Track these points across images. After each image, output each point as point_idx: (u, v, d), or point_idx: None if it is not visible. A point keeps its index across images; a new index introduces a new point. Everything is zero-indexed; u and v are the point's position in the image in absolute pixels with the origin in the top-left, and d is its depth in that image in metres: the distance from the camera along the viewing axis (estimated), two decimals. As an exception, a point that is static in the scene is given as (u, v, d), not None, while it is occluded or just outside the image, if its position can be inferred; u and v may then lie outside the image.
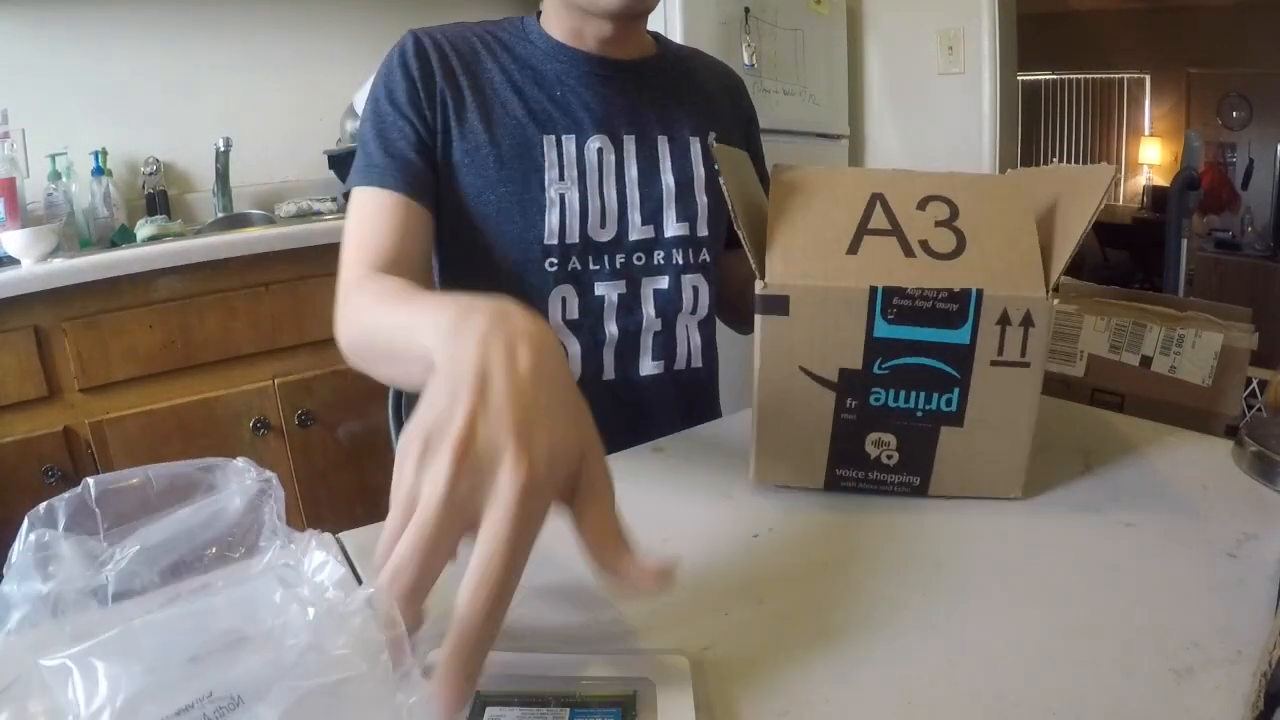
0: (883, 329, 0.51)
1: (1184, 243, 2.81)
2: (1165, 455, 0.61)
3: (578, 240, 0.77)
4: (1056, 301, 0.49)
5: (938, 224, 0.53)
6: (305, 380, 1.65)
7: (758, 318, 0.52)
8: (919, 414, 0.52)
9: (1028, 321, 0.50)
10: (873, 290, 0.50)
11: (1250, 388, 0.86)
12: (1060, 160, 5.50)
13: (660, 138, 0.81)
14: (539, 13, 0.83)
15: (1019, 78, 2.33)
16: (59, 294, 1.40)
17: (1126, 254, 4.87)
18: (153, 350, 1.50)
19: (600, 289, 0.78)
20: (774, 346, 0.53)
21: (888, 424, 0.53)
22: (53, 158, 1.77)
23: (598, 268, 0.77)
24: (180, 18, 1.98)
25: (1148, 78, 5.05)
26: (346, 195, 0.76)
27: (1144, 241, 4.47)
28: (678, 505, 0.55)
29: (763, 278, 0.52)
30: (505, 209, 0.75)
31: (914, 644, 0.39)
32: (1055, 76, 5.36)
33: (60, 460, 1.43)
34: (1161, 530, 0.49)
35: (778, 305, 0.52)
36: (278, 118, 2.11)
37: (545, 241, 0.76)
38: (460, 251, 0.78)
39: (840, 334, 0.51)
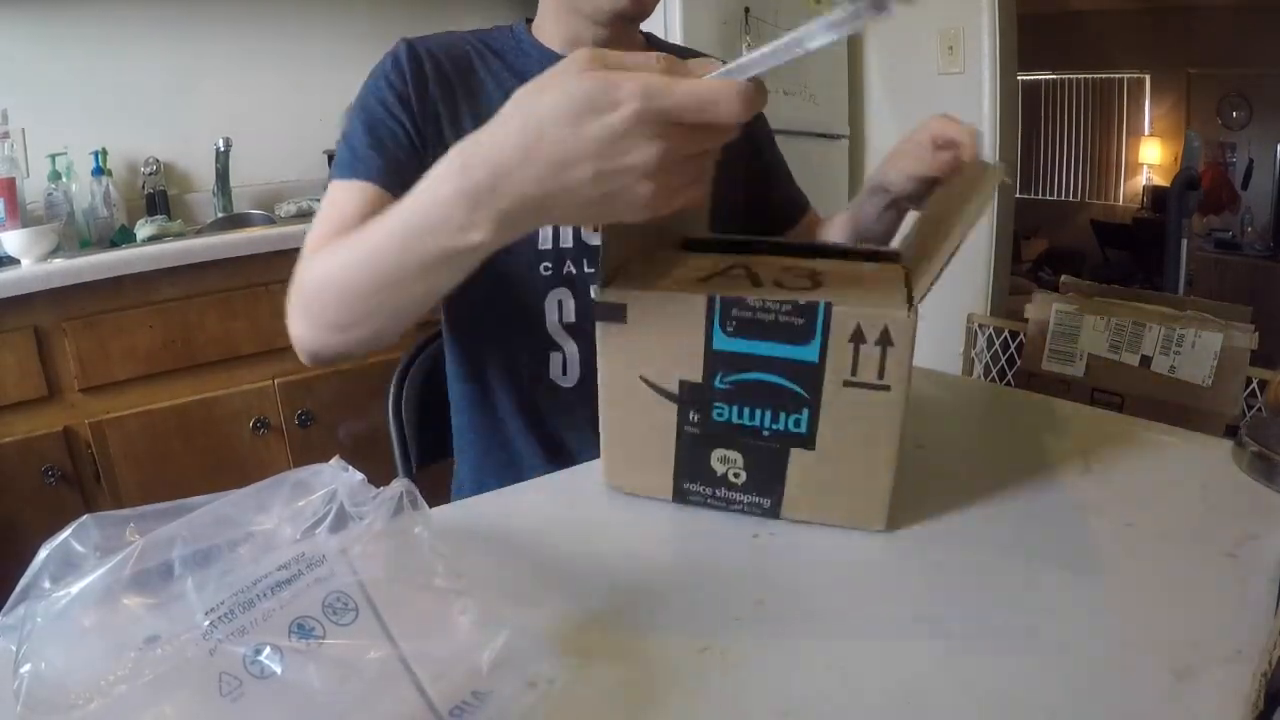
0: (722, 341, 0.48)
1: (1184, 243, 2.81)
2: (1165, 455, 0.61)
3: (571, 244, 0.77)
4: (918, 316, 0.45)
5: (796, 274, 0.52)
6: (305, 380, 1.65)
7: (597, 325, 0.51)
8: (765, 433, 0.49)
9: (885, 340, 0.45)
10: (710, 299, 0.48)
11: (1250, 388, 0.86)
12: (1061, 160, 5.50)
13: None
14: (528, 20, 0.83)
15: (1019, 78, 2.33)
16: (59, 294, 1.40)
17: (1126, 254, 4.87)
18: (153, 350, 1.50)
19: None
20: (613, 354, 0.51)
21: (733, 441, 0.50)
22: (53, 158, 1.77)
23: (592, 270, 0.78)
24: (180, 18, 1.98)
25: (1148, 78, 5.05)
26: None
27: (1144, 241, 4.47)
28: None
29: (603, 286, 0.50)
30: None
31: (914, 644, 0.39)
32: (1055, 76, 5.36)
33: (60, 460, 1.43)
34: (1161, 530, 0.49)
35: (615, 313, 0.50)
36: (278, 118, 2.11)
37: (540, 247, 0.76)
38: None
39: (679, 345, 0.49)
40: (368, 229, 0.51)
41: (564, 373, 0.79)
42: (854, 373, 0.46)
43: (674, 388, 0.51)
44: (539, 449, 0.81)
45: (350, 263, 0.53)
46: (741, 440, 0.50)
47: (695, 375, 0.50)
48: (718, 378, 0.49)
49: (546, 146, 0.38)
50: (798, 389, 0.48)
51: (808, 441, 0.49)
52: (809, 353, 0.47)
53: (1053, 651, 0.38)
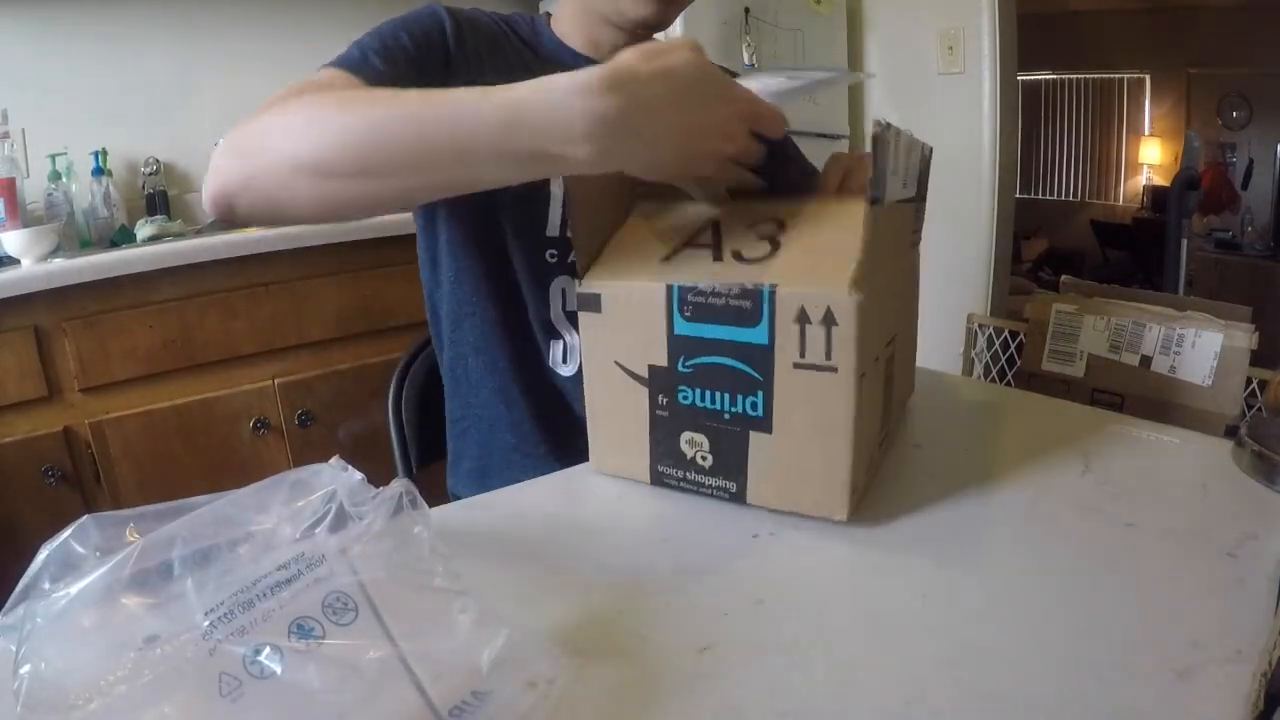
0: (682, 326, 0.51)
1: (1184, 243, 2.81)
2: (1165, 455, 0.61)
3: None
4: (860, 299, 0.45)
5: (759, 237, 0.53)
6: (305, 380, 1.65)
7: (579, 314, 0.55)
8: (726, 416, 0.51)
9: (829, 320, 0.46)
10: (669, 287, 0.51)
11: (1250, 388, 0.85)
12: (1061, 160, 5.50)
13: None
14: (548, 15, 0.83)
15: (1019, 78, 2.33)
16: (59, 294, 1.40)
17: (1126, 254, 4.87)
18: (153, 350, 1.50)
19: None
20: (593, 342, 0.55)
21: (698, 424, 0.52)
22: (53, 158, 1.77)
23: None
24: (180, 18, 1.98)
25: (1148, 78, 5.05)
26: None
27: (1144, 241, 4.47)
28: (678, 505, 0.55)
29: (580, 277, 0.55)
30: (508, 198, 0.75)
31: (914, 644, 0.39)
32: (1055, 76, 5.36)
33: (60, 460, 1.43)
34: (1161, 530, 0.49)
35: (591, 303, 0.54)
36: (278, 118, 2.10)
37: (548, 233, 0.77)
38: (465, 231, 0.78)
39: (646, 331, 0.52)
40: (433, 96, 0.50)
41: (564, 361, 0.80)
42: (802, 354, 0.47)
43: (644, 372, 0.53)
44: (540, 436, 0.80)
45: (395, 115, 0.51)
46: (706, 423, 0.52)
47: (661, 360, 0.52)
48: (680, 361, 0.51)
49: (689, 109, 0.47)
50: (751, 371, 0.49)
51: (765, 424, 0.50)
52: (759, 335, 0.48)
53: (1053, 651, 0.38)
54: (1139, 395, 0.89)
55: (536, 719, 0.34)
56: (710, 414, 0.51)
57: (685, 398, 0.52)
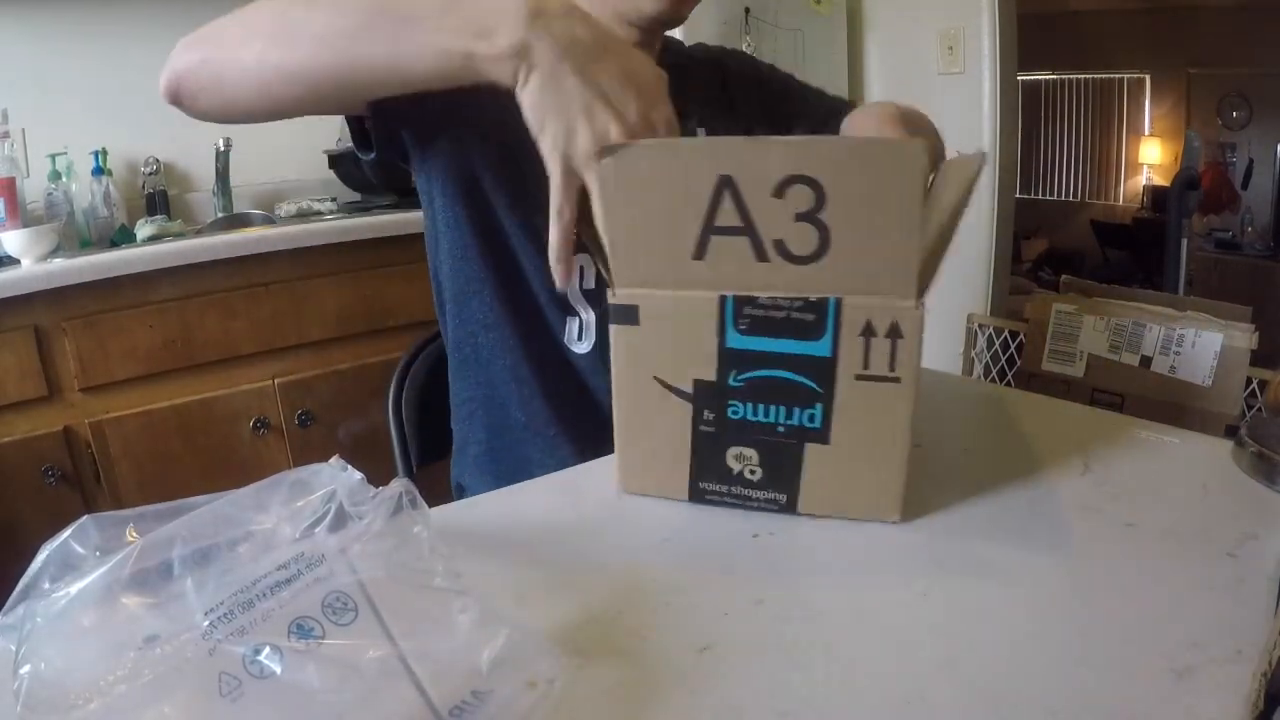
0: (735, 340, 0.48)
1: (1184, 243, 2.82)
2: (1165, 455, 0.61)
3: None
4: (924, 310, 0.45)
5: (798, 217, 0.44)
6: (305, 380, 1.65)
7: (610, 326, 0.51)
8: (780, 429, 0.49)
9: (895, 333, 0.45)
10: (722, 299, 0.47)
11: (1250, 388, 0.86)
12: (1061, 160, 5.50)
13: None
14: None
15: (1019, 78, 2.33)
16: (59, 294, 1.40)
17: (1126, 254, 4.87)
18: (153, 350, 1.50)
19: None
20: (627, 356, 0.51)
21: (748, 438, 0.50)
22: (53, 158, 1.77)
23: None
24: (180, 18, 1.97)
25: (1148, 78, 5.05)
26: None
27: (1144, 241, 4.47)
28: (678, 505, 0.55)
29: (612, 286, 0.50)
30: (524, 178, 0.75)
31: (914, 643, 0.39)
32: (1055, 76, 5.36)
33: (60, 460, 1.43)
34: (1161, 530, 0.49)
35: (628, 315, 0.50)
36: (277, 117, 2.10)
37: None
38: (479, 207, 0.77)
39: (692, 345, 0.49)
40: None
41: (579, 338, 0.79)
42: (865, 366, 0.47)
43: (688, 387, 0.50)
44: (551, 415, 0.80)
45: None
46: (757, 437, 0.50)
47: (709, 374, 0.50)
48: (731, 375, 0.49)
49: (612, 57, 0.51)
50: (811, 384, 0.48)
51: (822, 436, 0.49)
52: (821, 348, 0.47)
53: (1053, 651, 0.38)
54: (1139, 395, 0.90)
55: (536, 719, 0.34)
56: (763, 428, 0.50)
57: (735, 412, 0.50)
